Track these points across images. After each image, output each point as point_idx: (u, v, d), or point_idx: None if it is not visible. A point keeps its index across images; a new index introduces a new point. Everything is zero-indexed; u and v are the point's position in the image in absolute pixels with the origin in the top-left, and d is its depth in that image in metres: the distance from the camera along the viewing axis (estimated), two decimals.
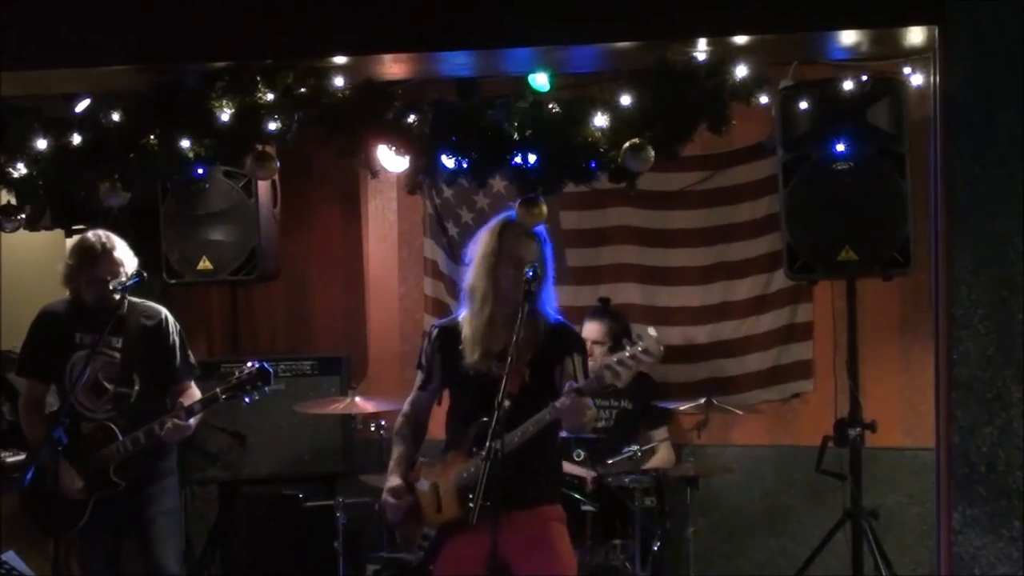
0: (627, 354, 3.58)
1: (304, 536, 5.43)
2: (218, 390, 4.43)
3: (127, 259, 4.47)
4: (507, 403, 3.56)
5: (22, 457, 5.15)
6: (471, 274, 3.88)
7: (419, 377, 4.08)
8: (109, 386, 4.46)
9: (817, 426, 5.08)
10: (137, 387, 4.48)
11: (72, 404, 4.39)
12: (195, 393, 4.58)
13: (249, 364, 4.48)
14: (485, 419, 3.59)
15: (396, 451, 4.05)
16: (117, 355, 4.47)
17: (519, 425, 3.66)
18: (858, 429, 4.86)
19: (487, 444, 3.45)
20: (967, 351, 3.63)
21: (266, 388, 4.47)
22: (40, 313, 4.61)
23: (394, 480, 3.94)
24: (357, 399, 5.30)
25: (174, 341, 4.58)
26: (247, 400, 4.47)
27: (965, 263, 3.64)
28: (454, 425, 3.95)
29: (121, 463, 4.38)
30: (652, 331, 3.62)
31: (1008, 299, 3.61)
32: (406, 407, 4.11)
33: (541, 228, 3.92)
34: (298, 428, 5.54)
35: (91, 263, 4.41)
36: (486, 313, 3.80)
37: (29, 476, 4.49)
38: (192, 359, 4.69)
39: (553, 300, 3.88)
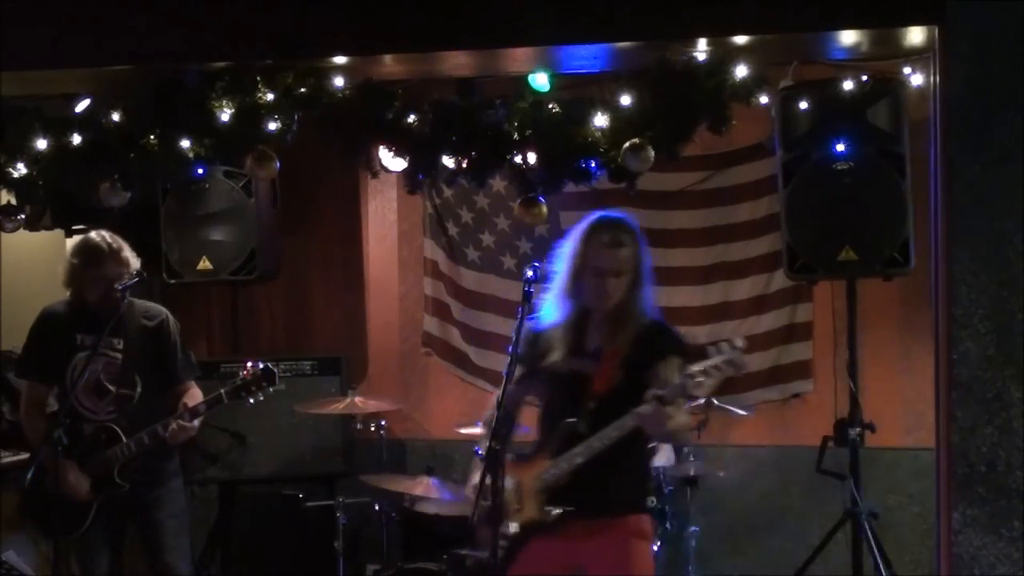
0: (712, 362, 3.38)
1: (304, 536, 5.43)
2: (222, 391, 4.42)
3: (132, 259, 4.44)
4: (592, 405, 3.52)
5: (22, 457, 5.14)
6: (560, 273, 3.71)
7: (516, 370, 3.82)
8: (111, 387, 4.44)
9: (817, 426, 5.08)
10: (139, 388, 4.46)
11: (73, 405, 4.37)
12: (197, 393, 4.56)
13: (250, 364, 4.46)
14: (572, 420, 3.53)
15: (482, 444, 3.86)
16: (118, 356, 4.45)
17: (602, 429, 3.50)
18: (858, 429, 4.86)
19: (488, 444, 3.43)
20: (967, 351, 3.63)
21: (270, 388, 4.46)
22: (40, 314, 4.59)
23: (477, 475, 3.75)
24: (357, 399, 5.30)
25: (175, 341, 4.56)
26: (251, 401, 4.46)
27: (965, 263, 3.64)
28: (544, 424, 3.79)
29: (124, 465, 4.36)
30: (740, 342, 3.41)
31: (1008, 299, 3.61)
32: (497, 398, 3.89)
33: (635, 225, 3.68)
34: (298, 428, 5.54)
35: (97, 263, 4.36)
36: (573, 315, 3.67)
37: (30, 476, 4.49)
38: (193, 359, 4.68)
39: (651, 299, 3.67)
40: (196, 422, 4.41)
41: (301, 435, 5.57)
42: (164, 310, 4.60)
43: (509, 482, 3.72)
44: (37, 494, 4.38)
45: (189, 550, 4.69)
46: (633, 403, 3.45)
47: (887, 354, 5.43)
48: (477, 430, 5.10)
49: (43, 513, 4.43)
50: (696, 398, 3.53)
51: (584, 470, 3.53)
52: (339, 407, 5.24)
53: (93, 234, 4.44)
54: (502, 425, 3.50)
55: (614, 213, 3.72)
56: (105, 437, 4.38)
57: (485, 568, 3.90)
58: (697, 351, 3.52)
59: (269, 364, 4.46)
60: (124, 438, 4.35)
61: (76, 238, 4.53)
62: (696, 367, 3.41)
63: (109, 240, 4.40)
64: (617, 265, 3.57)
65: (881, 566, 4.79)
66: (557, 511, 3.52)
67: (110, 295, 4.35)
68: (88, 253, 4.39)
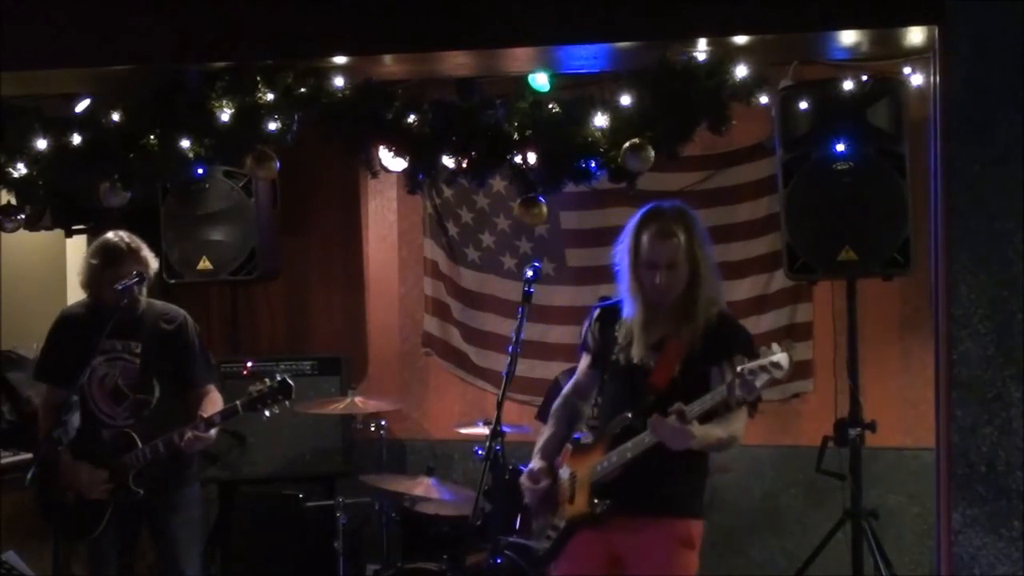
0: (760, 362, 3.27)
1: (304, 536, 5.43)
2: (238, 403, 4.32)
3: (151, 259, 4.39)
4: (651, 399, 3.45)
5: (22, 457, 5.14)
6: (622, 268, 3.62)
7: (583, 359, 3.81)
8: (128, 392, 4.39)
9: (817, 426, 5.08)
10: (157, 393, 4.39)
11: (90, 410, 4.34)
12: (216, 397, 4.47)
13: (250, 364, 4.41)
14: (627, 414, 3.51)
15: (545, 432, 3.79)
16: (136, 360, 4.39)
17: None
18: (858, 429, 4.85)
19: (487, 445, 3.44)
20: (967, 351, 3.63)
21: (287, 402, 4.36)
22: (59, 316, 4.54)
23: (536, 462, 3.70)
24: (357, 399, 5.29)
25: (194, 344, 4.48)
26: (266, 413, 4.35)
27: (965, 263, 3.64)
28: (603, 414, 3.69)
29: (139, 471, 4.30)
30: (788, 347, 3.31)
31: (1008, 299, 3.61)
32: (567, 388, 3.87)
33: (691, 214, 3.56)
34: (298, 428, 5.53)
35: (115, 263, 4.30)
36: (638, 309, 3.58)
37: (30, 476, 4.45)
38: (212, 361, 4.61)
39: (717, 290, 3.60)
40: (212, 432, 4.33)
41: (301, 435, 5.57)
42: (183, 312, 4.52)
43: (564, 471, 3.69)
44: (50, 495, 4.36)
45: (201, 557, 4.63)
46: (691, 399, 3.37)
47: (887, 354, 5.43)
48: (477, 430, 5.14)
49: (56, 514, 4.37)
50: (741, 400, 3.36)
51: (634, 466, 3.48)
52: (339, 407, 5.24)
53: (111, 234, 4.39)
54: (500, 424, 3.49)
55: (667, 203, 3.62)
56: (123, 443, 4.31)
57: (537, 558, 3.80)
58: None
59: (287, 377, 4.36)
60: (140, 444, 4.29)
61: (98, 239, 4.44)
62: (746, 365, 3.30)
63: (127, 240, 4.35)
64: (668, 257, 3.47)
65: (881, 566, 4.79)
66: (605, 504, 3.47)
67: (131, 296, 4.29)
68: (106, 253, 4.33)
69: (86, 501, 4.31)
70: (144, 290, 4.41)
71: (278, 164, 4.56)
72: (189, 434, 4.24)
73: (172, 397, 4.45)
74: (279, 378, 4.35)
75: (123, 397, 4.39)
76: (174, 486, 4.42)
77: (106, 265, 4.32)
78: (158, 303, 4.52)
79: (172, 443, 4.26)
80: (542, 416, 5.34)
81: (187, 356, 4.46)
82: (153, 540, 4.50)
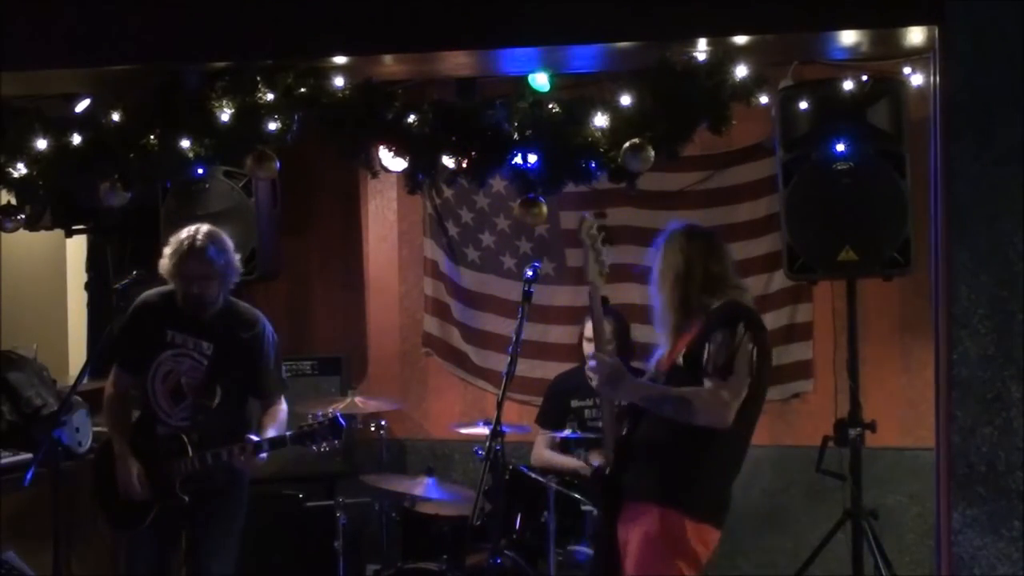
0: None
1: (304, 536, 5.43)
2: (287, 435, 4.22)
3: (228, 254, 4.31)
4: (660, 381, 3.72)
5: (22, 457, 5.13)
6: None
7: None
8: (189, 393, 4.30)
9: (817, 426, 5.08)
10: (218, 398, 4.30)
11: (150, 405, 4.30)
12: (280, 412, 4.39)
13: (320, 414, 4.30)
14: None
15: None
16: (204, 361, 4.30)
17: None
18: (858, 429, 4.86)
19: (487, 445, 3.44)
20: (967, 351, 3.63)
21: (336, 441, 4.21)
22: (137, 302, 4.41)
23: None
24: (357, 399, 5.30)
25: (268, 355, 4.39)
26: (313, 449, 4.22)
27: (965, 263, 3.64)
28: None
29: (187, 478, 4.22)
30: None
31: (1008, 299, 3.61)
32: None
33: (668, 230, 3.93)
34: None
35: (186, 258, 4.23)
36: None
37: (29, 477, 4.40)
38: (285, 374, 4.53)
39: (715, 284, 3.78)
40: (262, 456, 4.21)
41: None
42: (263, 319, 4.43)
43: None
44: (106, 484, 4.32)
45: (233, 565, 4.45)
46: (687, 381, 3.61)
47: (887, 354, 5.43)
48: (477, 430, 5.13)
49: (108, 502, 4.34)
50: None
51: (630, 452, 3.68)
52: (339, 407, 5.23)
53: (187, 229, 4.32)
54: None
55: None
56: (175, 447, 4.24)
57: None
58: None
59: (341, 416, 4.23)
60: (190, 452, 4.21)
61: (180, 231, 4.36)
62: None
63: (201, 235, 4.28)
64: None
65: (881, 566, 4.79)
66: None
67: (203, 295, 4.24)
68: (178, 246, 4.27)
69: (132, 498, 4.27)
70: (227, 289, 4.34)
71: (278, 164, 4.56)
72: (239, 455, 4.16)
73: (234, 404, 4.37)
74: (332, 414, 4.23)
75: (183, 397, 4.32)
76: (222, 492, 4.33)
77: (180, 260, 4.23)
78: (242, 305, 4.44)
79: (221, 459, 4.19)
80: (542, 419, 5.34)
81: (259, 367, 4.37)
82: (188, 545, 4.35)
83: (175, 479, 4.23)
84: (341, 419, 4.19)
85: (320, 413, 4.35)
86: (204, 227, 4.35)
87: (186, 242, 4.27)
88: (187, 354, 4.32)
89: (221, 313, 4.36)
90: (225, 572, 4.38)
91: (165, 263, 4.30)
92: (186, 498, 4.23)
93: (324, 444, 4.19)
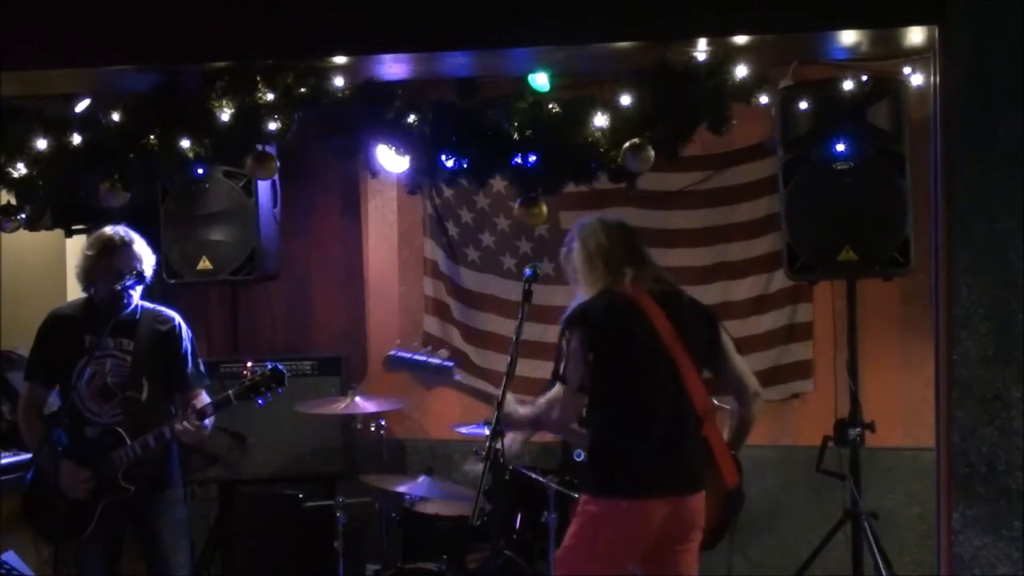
0: None
1: (304, 536, 5.43)
2: (230, 392, 4.40)
3: (146, 254, 4.44)
4: None
5: (22, 457, 5.14)
6: None
7: None
8: (117, 390, 4.41)
9: (817, 426, 5.08)
10: (146, 392, 4.43)
11: (76, 407, 4.35)
12: (204, 400, 4.51)
13: (250, 364, 4.44)
14: None
15: None
16: (128, 358, 4.43)
17: None
18: (858, 429, 4.86)
19: (487, 445, 3.45)
20: (967, 351, 3.63)
21: (280, 390, 4.43)
22: (48, 316, 4.57)
23: None
24: (357, 399, 5.29)
25: (186, 348, 4.54)
26: (260, 402, 4.43)
27: (965, 263, 3.64)
28: None
29: (129, 468, 4.33)
30: None
31: (1008, 299, 3.61)
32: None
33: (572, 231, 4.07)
34: (298, 428, 5.53)
35: (109, 254, 4.36)
36: None
37: (29, 477, 4.48)
38: (203, 367, 4.66)
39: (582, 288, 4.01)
40: (208, 423, 4.38)
41: (301, 435, 5.57)
42: (176, 316, 4.58)
43: None
44: (38, 497, 4.37)
45: (189, 558, 4.65)
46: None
47: (887, 354, 5.42)
48: (477, 430, 5.13)
49: (44, 516, 4.41)
50: None
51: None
52: (339, 407, 5.23)
53: (108, 228, 4.46)
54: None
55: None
56: (111, 440, 4.34)
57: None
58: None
59: (279, 365, 4.44)
60: (128, 441, 4.33)
61: (95, 233, 4.51)
62: None
63: (122, 233, 4.42)
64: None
65: (881, 566, 4.79)
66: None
67: (120, 290, 4.33)
68: (101, 245, 4.39)
69: (75, 501, 4.31)
70: (140, 290, 4.44)
71: (278, 164, 4.57)
72: (179, 425, 4.29)
73: (161, 398, 4.49)
74: (271, 366, 4.43)
75: (111, 395, 4.42)
76: (159, 487, 4.44)
77: (99, 256, 4.38)
78: (152, 306, 4.56)
79: (163, 437, 4.31)
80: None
81: (179, 358, 4.51)
82: (141, 545, 4.50)
83: (117, 470, 4.32)
84: (280, 366, 4.45)
85: (257, 366, 4.52)
86: (123, 227, 4.47)
87: (108, 240, 4.39)
88: (109, 354, 4.41)
89: (138, 311, 4.48)
90: (186, 562, 4.52)
91: (86, 263, 4.43)
92: (131, 488, 4.33)
93: (269, 394, 4.41)
